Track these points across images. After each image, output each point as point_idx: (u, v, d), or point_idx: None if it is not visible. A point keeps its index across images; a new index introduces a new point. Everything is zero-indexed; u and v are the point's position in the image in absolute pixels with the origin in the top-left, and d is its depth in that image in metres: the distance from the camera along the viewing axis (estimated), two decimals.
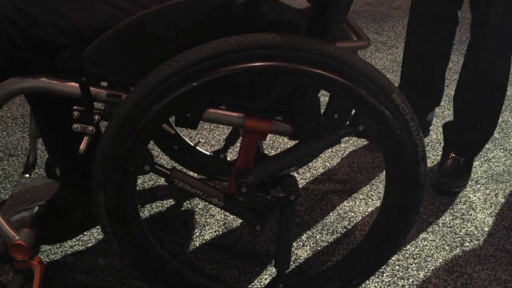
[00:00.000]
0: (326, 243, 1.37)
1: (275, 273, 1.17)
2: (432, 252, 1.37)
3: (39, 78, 0.90)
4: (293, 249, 1.33)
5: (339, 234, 1.40)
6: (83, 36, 0.87)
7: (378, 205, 1.52)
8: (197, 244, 1.33)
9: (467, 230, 1.45)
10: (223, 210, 1.43)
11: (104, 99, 0.91)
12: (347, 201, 1.53)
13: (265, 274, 1.26)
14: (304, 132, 0.95)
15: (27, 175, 1.30)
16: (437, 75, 1.72)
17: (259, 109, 0.93)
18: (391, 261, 1.32)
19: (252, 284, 1.24)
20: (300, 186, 1.57)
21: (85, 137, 0.91)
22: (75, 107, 0.90)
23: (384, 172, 1.66)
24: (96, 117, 0.91)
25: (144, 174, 0.92)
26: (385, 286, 1.25)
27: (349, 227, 1.43)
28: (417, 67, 1.70)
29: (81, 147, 0.90)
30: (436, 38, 1.64)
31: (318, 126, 0.95)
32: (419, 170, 0.95)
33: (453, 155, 1.62)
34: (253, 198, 0.95)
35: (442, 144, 1.70)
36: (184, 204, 1.46)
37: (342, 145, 1.78)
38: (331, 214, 1.47)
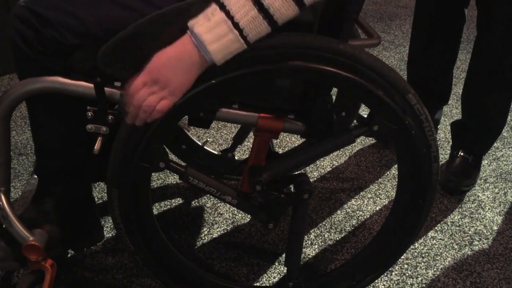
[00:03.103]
0: (334, 242, 1.37)
1: (284, 271, 1.17)
2: (441, 251, 1.36)
3: (54, 79, 0.91)
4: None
5: (347, 233, 1.40)
6: (96, 37, 0.88)
7: (386, 203, 1.52)
8: (205, 242, 1.34)
9: (476, 229, 1.45)
10: (231, 209, 1.44)
11: (118, 99, 0.91)
12: (355, 199, 1.52)
13: (273, 272, 1.27)
14: (316, 130, 0.95)
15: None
16: (443, 73, 1.72)
17: (271, 107, 0.94)
18: (400, 260, 1.32)
19: (261, 282, 1.24)
20: None
21: (99, 138, 0.91)
22: (88, 108, 0.91)
23: (392, 170, 1.66)
24: (110, 117, 0.91)
25: (159, 171, 0.92)
26: (394, 284, 1.25)
27: (357, 225, 1.43)
28: (423, 66, 1.70)
29: (95, 147, 0.90)
30: (442, 36, 1.63)
31: (330, 124, 0.95)
32: (432, 170, 0.95)
33: (462, 153, 1.61)
34: (267, 196, 0.96)
35: (451, 143, 1.70)
36: (193, 202, 1.46)
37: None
38: (339, 212, 1.47)
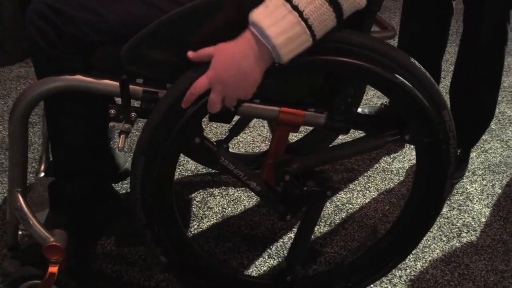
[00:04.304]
0: (324, 235, 1.38)
1: (274, 264, 1.17)
2: (429, 243, 1.37)
3: (75, 77, 0.89)
4: (290, 241, 1.33)
5: (337, 226, 1.41)
6: (118, 34, 0.87)
7: (375, 196, 1.53)
8: (195, 236, 1.34)
9: (464, 221, 1.46)
10: (221, 203, 1.44)
11: (141, 96, 0.90)
12: (344, 192, 1.53)
13: (263, 266, 1.27)
14: (336, 124, 0.95)
15: (42, 174, 1.28)
16: (432, 66, 1.72)
17: (293, 101, 0.93)
18: None
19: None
20: None
21: (122, 135, 0.90)
22: (110, 105, 0.90)
23: (382, 163, 1.66)
24: (133, 114, 0.90)
25: (193, 146, 0.90)
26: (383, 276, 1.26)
27: (346, 218, 1.44)
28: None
29: (120, 144, 0.89)
30: (430, 28, 1.63)
31: (351, 118, 0.95)
32: (445, 186, 0.99)
33: None
34: (294, 187, 0.95)
35: None
36: (182, 196, 1.46)
37: (340, 137, 1.78)
38: (328, 206, 1.47)
